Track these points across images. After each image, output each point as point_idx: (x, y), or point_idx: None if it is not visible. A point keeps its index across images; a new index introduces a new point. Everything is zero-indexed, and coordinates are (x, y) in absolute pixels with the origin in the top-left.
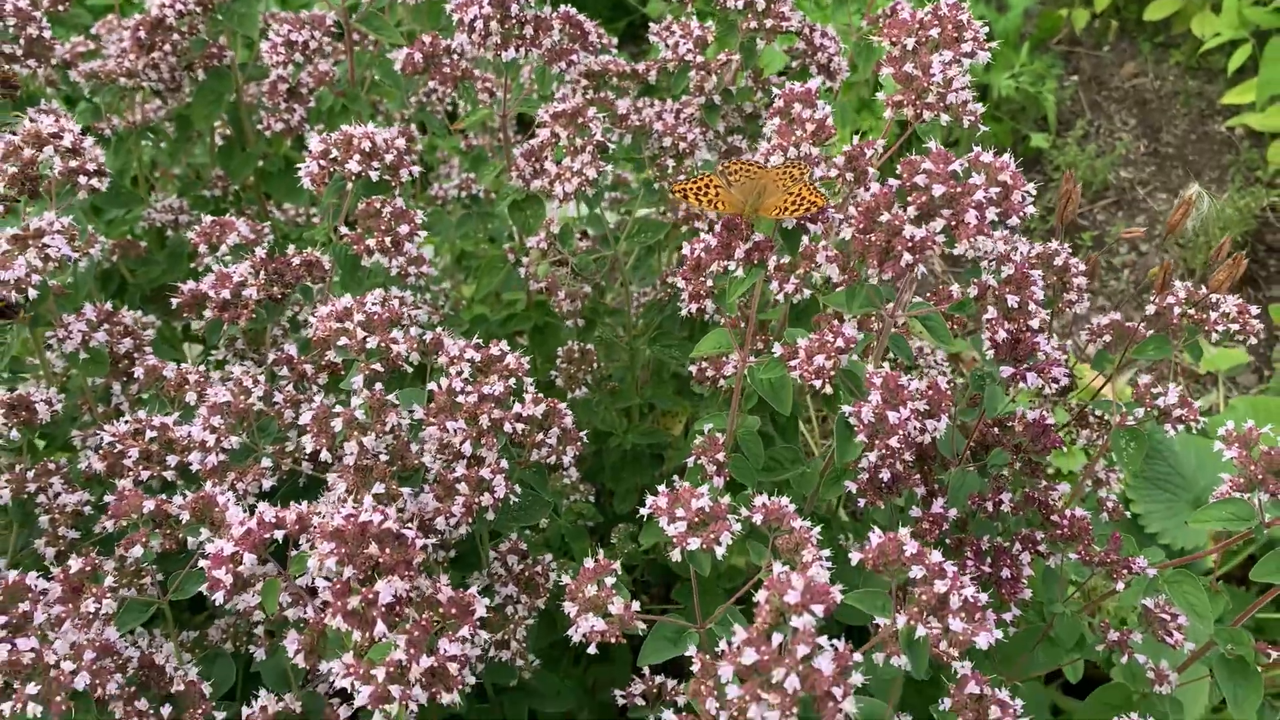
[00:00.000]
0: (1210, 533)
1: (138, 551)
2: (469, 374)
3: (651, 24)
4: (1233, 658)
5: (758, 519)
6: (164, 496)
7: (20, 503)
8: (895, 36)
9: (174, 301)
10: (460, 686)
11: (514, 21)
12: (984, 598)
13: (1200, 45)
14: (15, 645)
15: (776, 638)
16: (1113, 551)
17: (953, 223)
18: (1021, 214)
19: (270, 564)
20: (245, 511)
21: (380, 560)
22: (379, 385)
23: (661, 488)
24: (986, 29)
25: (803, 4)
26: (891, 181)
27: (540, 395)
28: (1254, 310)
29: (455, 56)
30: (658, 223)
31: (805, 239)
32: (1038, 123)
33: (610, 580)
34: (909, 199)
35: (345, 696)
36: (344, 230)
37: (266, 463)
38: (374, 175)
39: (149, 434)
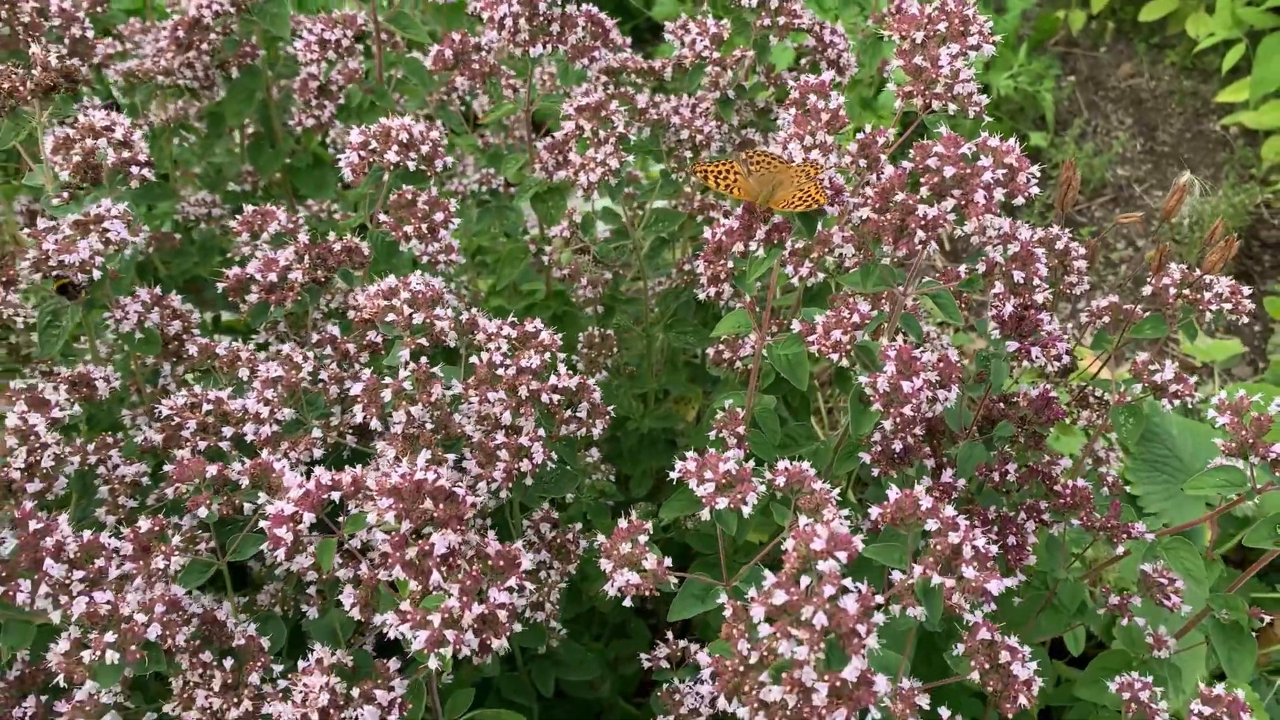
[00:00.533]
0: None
1: (203, 512)
2: (506, 349)
3: (667, 23)
4: (1228, 622)
5: (780, 481)
6: (222, 464)
7: (81, 474)
8: (905, 31)
9: (219, 286)
10: (508, 633)
11: (542, 19)
12: (994, 549)
13: (1195, 45)
14: (93, 598)
15: (804, 581)
16: (1113, 517)
17: (963, 202)
18: (1027, 194)
19: (314, 536)
20: (301, 476)
21: (434, 515)
22: (424, 359)
23: (690, 453)
24: (990, 25)
25: (808, 4)
26: (904, 164)
27: (570, 372)
28: (1246, 290)
29: (484, 53)
30: (674, 213)
31: (820, 224)
32: (1036, 122)
33: (643, 539)
34: (922, 180)
35: (392, 653)
36: (382, 218)
37: (316, 433)
38: (411, 165)
39: (205, 407)
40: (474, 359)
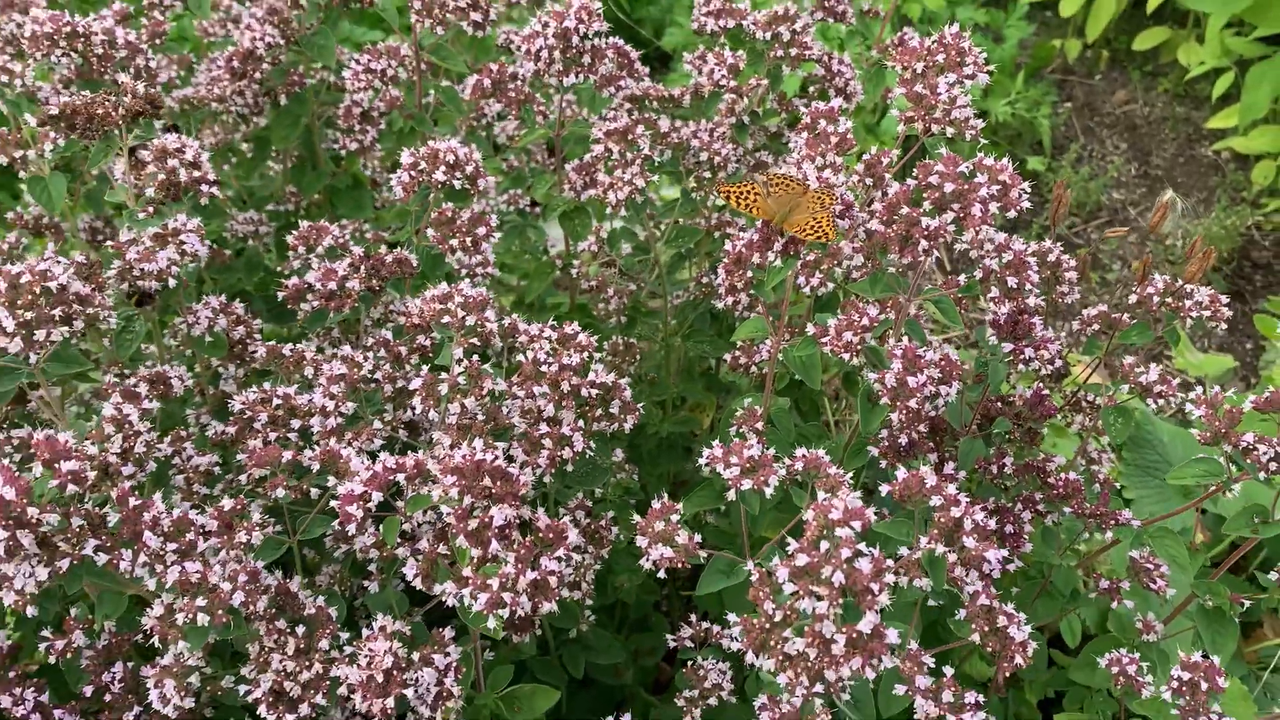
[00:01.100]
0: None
1: (280, 493)
2: (548, 349)
3: (685, 53)
4: (1210, 608)
5: (799, 466)
6: (295, 450)
7: (158, 464)
8: (906, 61)
9: (279, 295)
10: (556, 598)
11: (574, 51)
12: (992, 524)
13: (1186, 73)
14: (185, 567)
15: (823, 545)
16: (1102, 505)
17: (961, 214)
18: (1019, 208)
19: (371, 527)
20: (367, 460)
21: (493, 490)
22: (475, 357)
23: (716, 441)
24: (984, 56)
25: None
26: (909, 182)
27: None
28: (1224, 299)
29: (519, 82)
30: (693, 229)
31: None
32: (1033, 147)
33: (675, 517)
34: (924, 195)
35: (444, 622)
36: (430, 232)
37: (377, 425)
38: (457, 184)
39: (274, 401)
40: (519, 358)
